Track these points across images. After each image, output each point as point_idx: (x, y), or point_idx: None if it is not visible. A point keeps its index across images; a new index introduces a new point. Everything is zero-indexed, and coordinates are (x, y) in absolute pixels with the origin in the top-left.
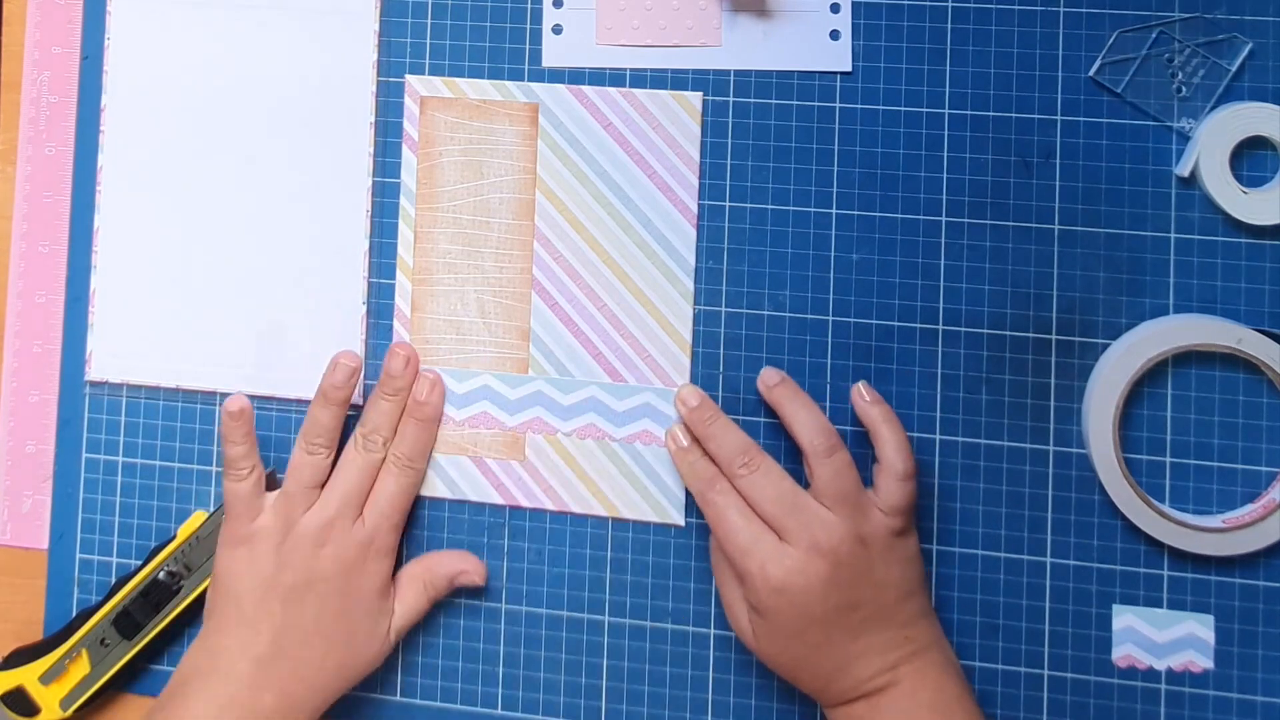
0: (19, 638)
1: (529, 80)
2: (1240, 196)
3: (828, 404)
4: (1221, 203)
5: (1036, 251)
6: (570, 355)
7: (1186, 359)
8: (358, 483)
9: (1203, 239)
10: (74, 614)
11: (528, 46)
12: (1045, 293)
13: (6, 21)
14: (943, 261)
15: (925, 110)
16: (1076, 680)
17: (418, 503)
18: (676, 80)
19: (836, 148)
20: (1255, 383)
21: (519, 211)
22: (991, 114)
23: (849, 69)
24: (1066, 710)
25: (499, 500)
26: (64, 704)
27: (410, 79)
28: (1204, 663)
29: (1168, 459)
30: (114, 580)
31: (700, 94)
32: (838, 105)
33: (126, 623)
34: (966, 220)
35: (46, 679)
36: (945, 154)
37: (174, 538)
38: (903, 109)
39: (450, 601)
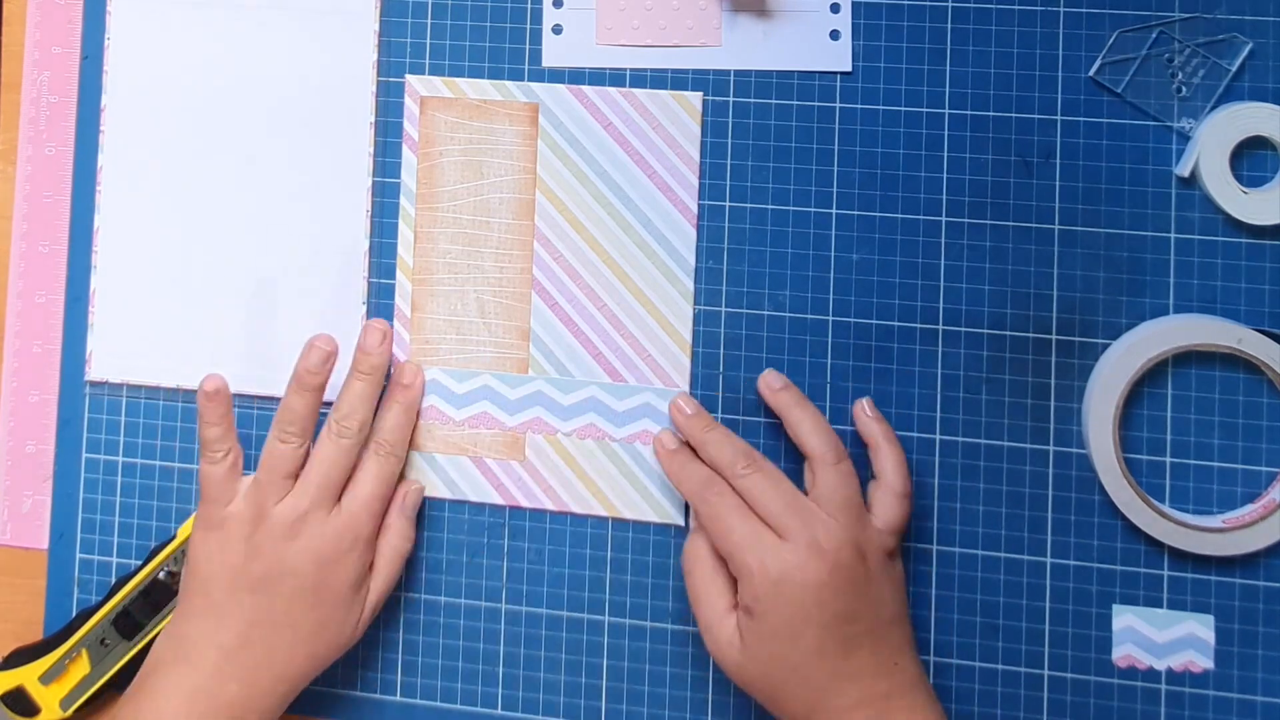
0: (19, 638)
1: (529, 80)
2: (1240, 196)
3: (828, 404)
4: (1221, 203)
5: (1036, 251)
6: (570, 355)
7: (1186, 359)
8: (333, 471)
9: (1203, 239)
10: (74, 614)
11: (528, 46)
12: (1045, 293)
13: (6, 21)
14: (943, 261)
15: (925, 110)
16: (1076, 680)
17: None
18: (676, 80)
19: (836, 148)
20: (1255, 383)
21: (519, 211)
22: (991, 114)
23: (849, 69)
24: (1066, 710)
25: (499, 500)
26: (64, 704)
27: (410, 79)
28: (1204, 663)
29: (1168, 459)
30: (114, 580)
31: (700, 94)
32: (838, 105)
33: (126, 623)
34: (966, 220)
35: (46, 679)
36: (945, 154)
37: (174, 538)
38: (903, 109)
39: (450, 601)
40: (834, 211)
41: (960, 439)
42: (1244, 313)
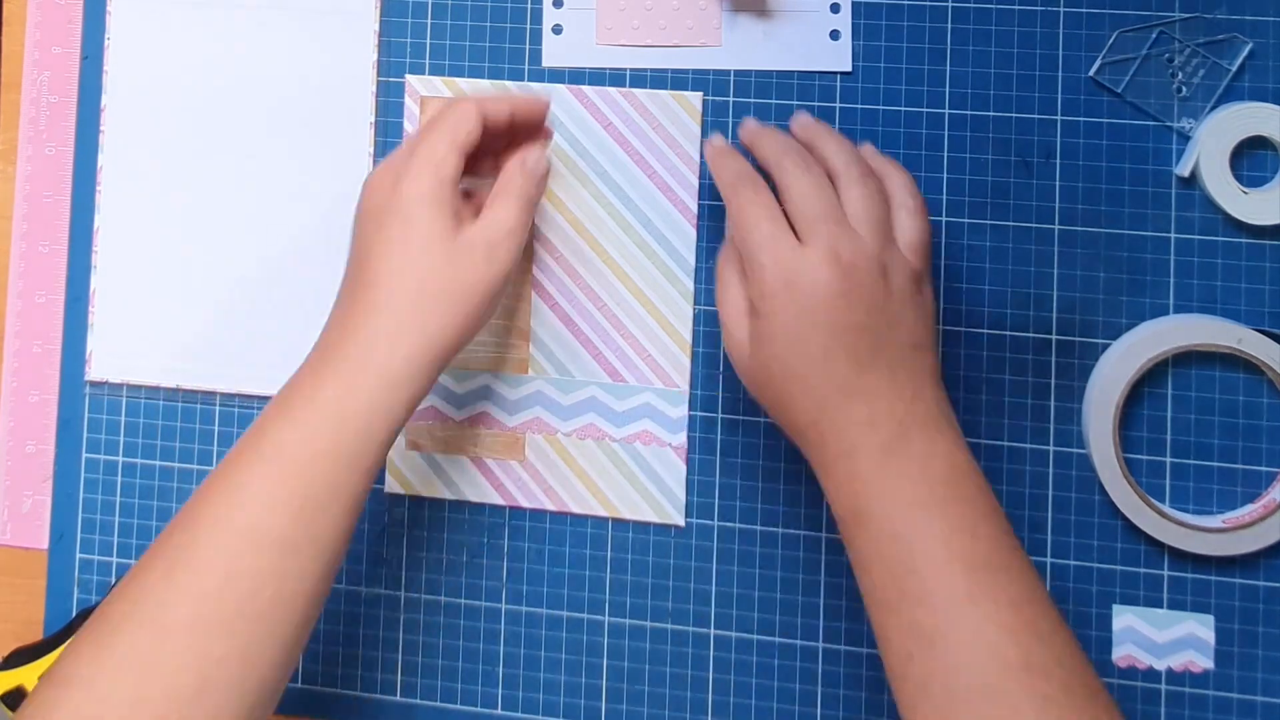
0: (19, 638)
1: (529, 80)
2: (1240, 196)
3: None
4: (1221, 203)
5: (1036, 251)
6: (570, 355)
7: (1186, 359)
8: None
9: (1203, 239)
10: (74, 614)
11: (528, 46)
12: (1045, 293)
13: (6, 21)
14: (943, 261)
15: (925, 110)
16: None
17: (417, 503)
18: (676, 80)
19: None
20: (1255, 383)
21: None
22: (991, 114)
23: (849, 69)
24: None
25: (499, 500)
26: None
27: (410, 79)
28: (1204, 663)
29: (1168, 459)
30: (114, 580)
31: (700, 94)
32: (838, 105)
33: None
34: (966, 220)
35: None
36: (945, 154)
37: None
38: (903, 109)
39: (450, 601)
40: None
41: None
42: (1244, 313)
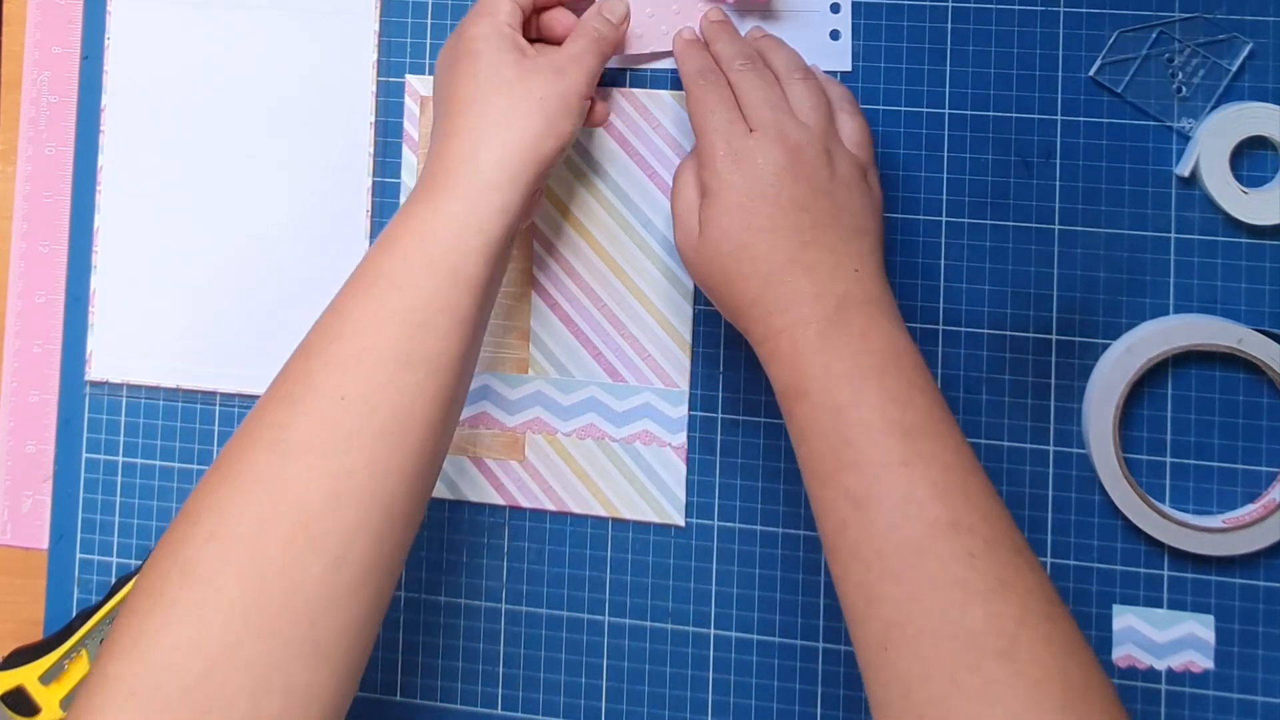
0: (19, 638)
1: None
2: (1240, 196)
3: None
4: (1221, 203)
5: (1036, 251)
6: (570, 355)
7: (1186, 359)
8: None
9: (1203, 239)
10: (74, 614)
11: None
12: (1045, 293)
13: (6, 21)
14: (943, 261)
15: (925, 110)
16: None
17: None
18: (677, 81)
19: None
20: (1255, 383)
21: None
22: (991, 114)
23: (849, 68)
24: None
25: (499, 500)
26: (64, 704)
27: (410, 79)
28: (1204, 663)
29: (1168, 459)
30: (114, 580)
31: None
32: None
33: None
34: (966, 220)
35: (46, 679)
36: (945, 154)
37: None
38: (903, 109)
39: (450, 601)
40: None
41: None
42: (1244, 313)
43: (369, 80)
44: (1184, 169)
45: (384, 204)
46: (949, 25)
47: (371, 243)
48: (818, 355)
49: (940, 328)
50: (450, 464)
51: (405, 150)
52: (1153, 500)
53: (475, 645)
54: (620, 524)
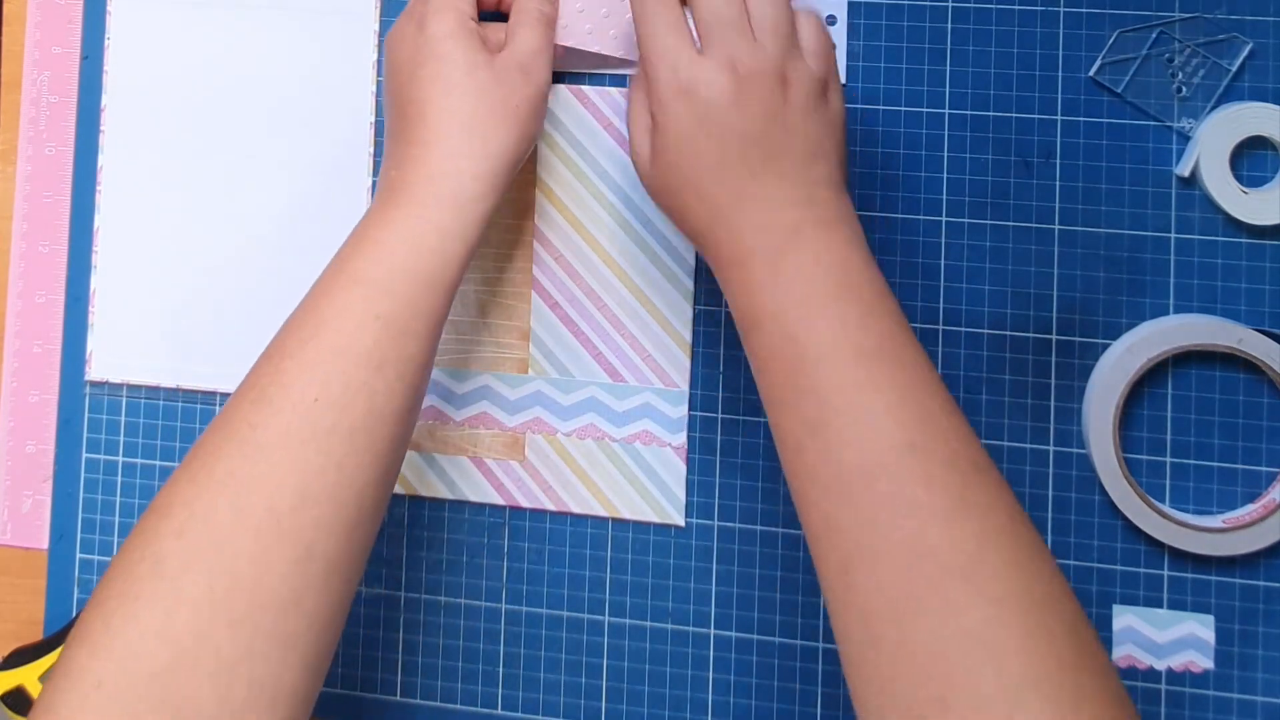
0: (19, 638)
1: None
2: (1240, 196)
3: None
4: (1221, 203)
5: (1036, 251)
6: (570, 355)
7: (1186, 359)
8: None
9: (1203, 239)
10: (74, 614)
11: None
12: (1045, 293)
13: (6, 21)
14: (943, 261)
15: (925, 110)
16: None
17: (417, 502)
18: None
19: None
20: (1255, 383)
21: (519, 211)
22: (991, 114)
23: (844, 80)
24: None
25: (499, 500)
26: None
27: None
28: (1204, 663)
29: (1168, 459)
30: None
31: None
32: None
33: None
34: (966, 220)
35: (46, 679)
36: (945, 154)
37: None
38: (903, 109)
39: (450, 601)
40: None
41: None
42: (1244, 313)
43: (369, 80)
44: (1184, 169)
45: None
46: (949, 25)
47: None
48: (769, 284)
49: (940, 328)
50: (450, 464)
51: None
52: (1153, 500)
53: (475, 645)
54: (620, 524)
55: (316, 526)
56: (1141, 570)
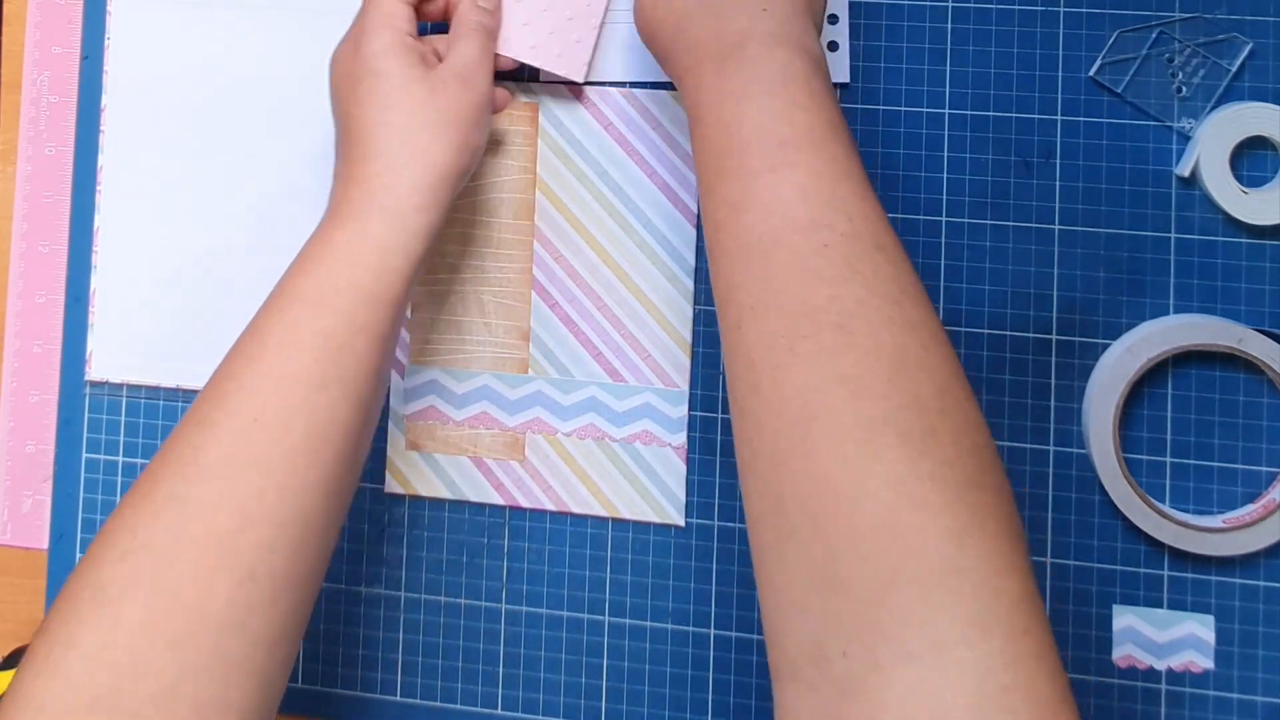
0: (19, 638)
1: (528, 81)
2: (1240, 196)
3: None
4: (1221, 203)
5: (1036, 251)
6: (570, 355)
7: (1186, 359)
8: None
9: (1203, 239)
10: None
11: None
12: (1045, 293)
13: (6, 21)
14: (943, 261)
15: (925, 110)
16: (1077, 680)
17: (417, 502)
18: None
19: None
20: (1255, 383)
21: (519, 211)
22: (991, 114)
23: (847, 79)
24: None
25: (499, 500)
26: None
27: None
28: (1204, 663)
29: (1168, 459)
30: None
31: None
32: None
33: None
34: (966, 220)
35: None
36: (945, 154)
37: None
38: (903, 109)
39: (450, 601)
40: None
41: None
42: (1244, 313)
43: None
44: (1184, 169)
45: None
46: (949, 25)
47: None
48: (712, 83)
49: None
50: (450, 464)
51: None
52: (1153, 500)
53: (475, 645)
54: (620, 524)
55: (259, 548)
56: (1141, 570)
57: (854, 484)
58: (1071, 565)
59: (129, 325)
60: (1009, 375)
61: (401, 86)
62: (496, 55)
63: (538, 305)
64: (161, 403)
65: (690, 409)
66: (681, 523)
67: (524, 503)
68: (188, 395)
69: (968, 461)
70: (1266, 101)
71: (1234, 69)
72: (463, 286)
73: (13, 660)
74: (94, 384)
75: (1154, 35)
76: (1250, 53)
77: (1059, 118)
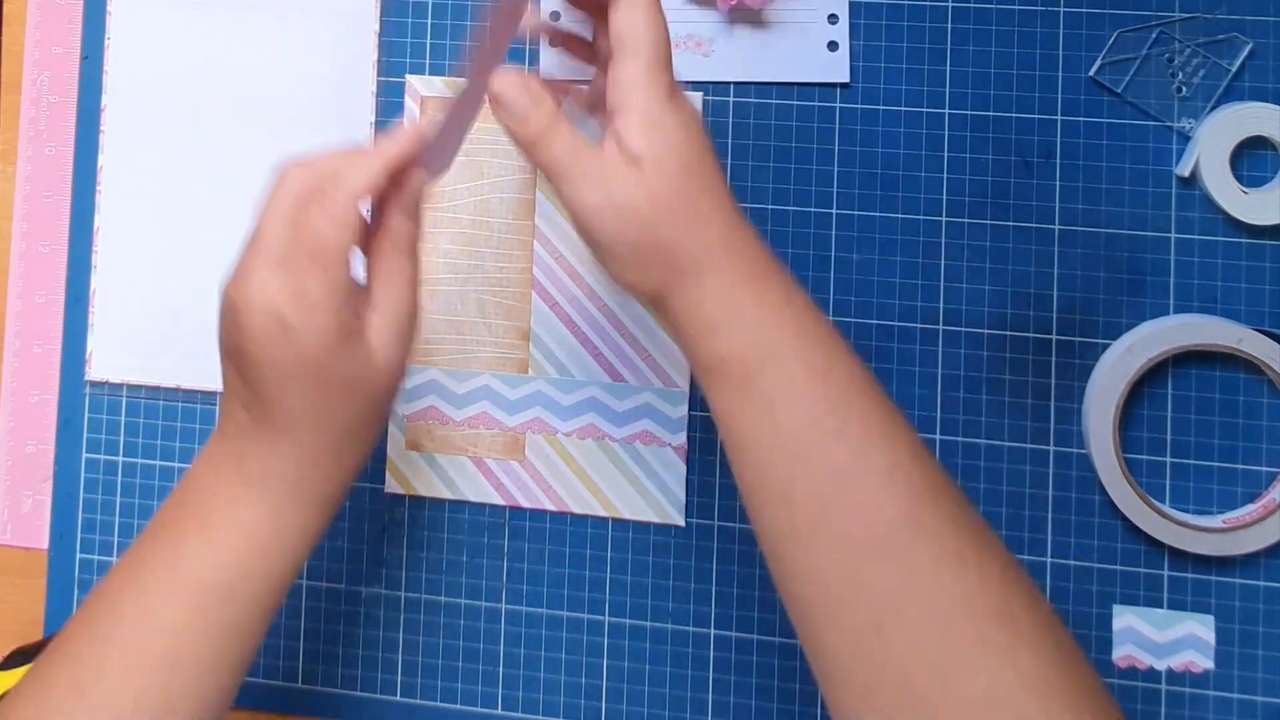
0: (19, 638)
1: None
2: (1240, 196)
3: None
4: (1221, 203)
5: (1036, 251)
6: (570, 355)
7: (1186, 359)
8: None
9: (1203, 239)
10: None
11: (527, 47)
12: (1045, 293)
13: (6, 21)
14: (943, 261)
15: (925, 110)
16: None
17: (417, 502)
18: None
19: (837, 148)
20: (1255, 383)
21: (519, 211)
22: (991, 114)
23: (846, 80)
24: None
25: (499, 500)
26: None
27: (410, 79)
28: (1204, 663)
29: (1168, 459)
30: None
31: (700, 94)
32: (838, 105)
33: None
34: (966, 220)
35: None
36: (945, 154)
37: None
38: (903, 109)
39: (450, 601)
40: (834, 211)
41: (960, 439)
42: (1244, 313)
43: (369, 80)
44: (1184, 169)
45: None
46: (949, 25)
47: None
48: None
49: (940, 328)
50: (450, 464)
51: None
52: (1153, 500)
53: (475, 645)
54: (620, 524)
55: None
56: (1141, 570)
57: None
58: (1071, 565)
59: (129, 325)
60: (1009, 375)
61: (318, 362)
62: (514, 20)
63: (538, 305)
64: (161, 403)
65: (690, 409)
66: (681, 523)
67: (524, 503)
68: (188, 395)
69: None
70: (1266, 101)
71: (1234, 69)
72: (463, 286)
73: (13, 660)
74: (94, 384)
75: (1154, 35)
76: (1250, 53)
77: (1059, 118)
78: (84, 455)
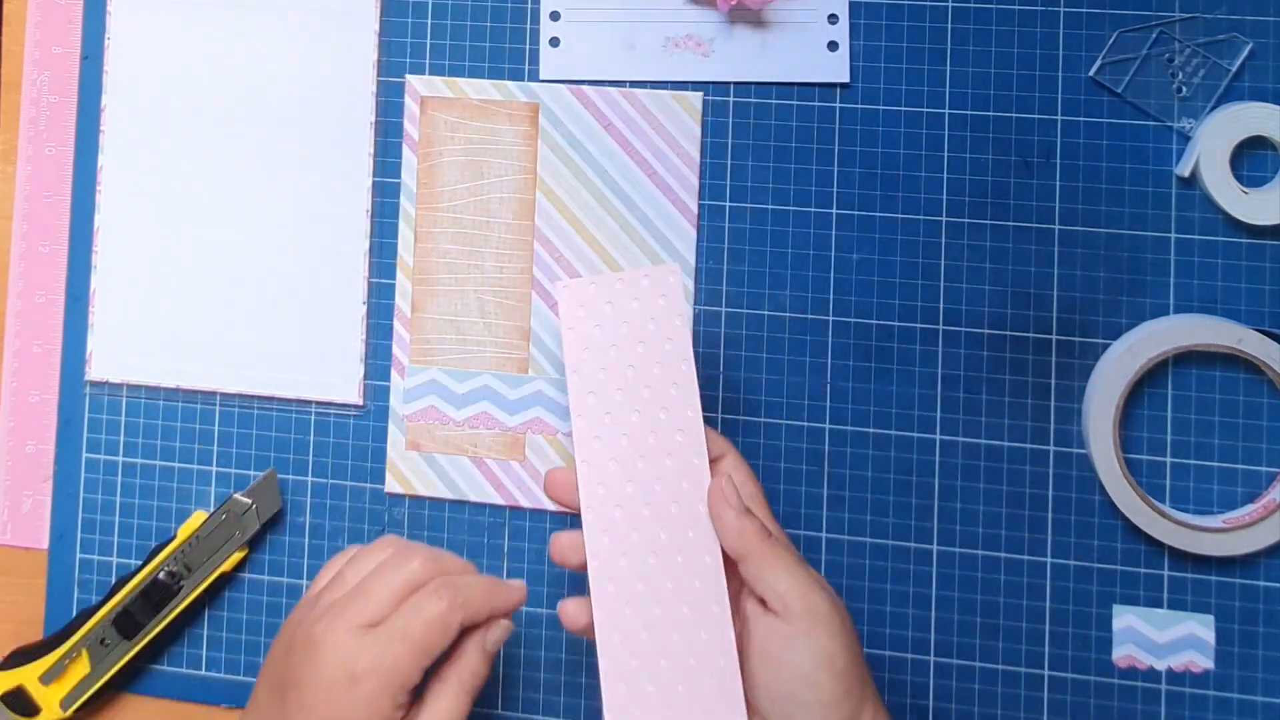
0: (19, 638)
1: (529, 80)
2: (1240, 196)
3: (828, 404)
4: (1221, 203)
5: (1036, 251)
6: None
7: (1186, 359)
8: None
9: (1203, 239)
10: (74, 614)
11: (527, 46)
12: (1045, 293)
13: (6, 21)
14: (943, 261)
15: (925, 110)
16: (1077, 680)
17: (417, 502)
18: (678, 84)
19: (837, 148)
20: (1255, 383)
21: (519, 211)
22: (991, 114)
23: (846, 80)
24: (1067, 710)
25: (499, 500)
26: (64, 704)
27: (410, 79)
28: (1204, 663)
29: (1168, 459)
30: (114, 580)
31: (700, 94)
32: (838, 105)
33: (126, 623)
34: (966, 220)
35: (46, 679)
36: (945, 154)
37: (174, 538)
38: (903, 109)
39: None
40: (834, 211)
41: (960, 439)
42: (1244, 313)
43: (369, 80)
44: (1184, 169)
45: (384, 204)
46: (949, 25)
47: (369, 248)
48: None
49: (940, 328)
50: (450, 464)
51: (405, 150)
52: (1153, 500)
53: None
54: None
55: None
56: (1141, 570)
57: None
58: (1071, 565)
59: (129, 325)
60: (1009, 375)
61: None
62: None
63: (538, 305)
64: (161, 403)
65: None
66: None
67: (524, 503)
68: (188, 395)
69: None
70: (1266, 101)
71: (1234, 69)
72: (463, 286)
73: (13, 660)
74: (94, 384)
75: (1154, 35)
76: (1250, 53)
77: (1059, 118)
78: (84, 455)
